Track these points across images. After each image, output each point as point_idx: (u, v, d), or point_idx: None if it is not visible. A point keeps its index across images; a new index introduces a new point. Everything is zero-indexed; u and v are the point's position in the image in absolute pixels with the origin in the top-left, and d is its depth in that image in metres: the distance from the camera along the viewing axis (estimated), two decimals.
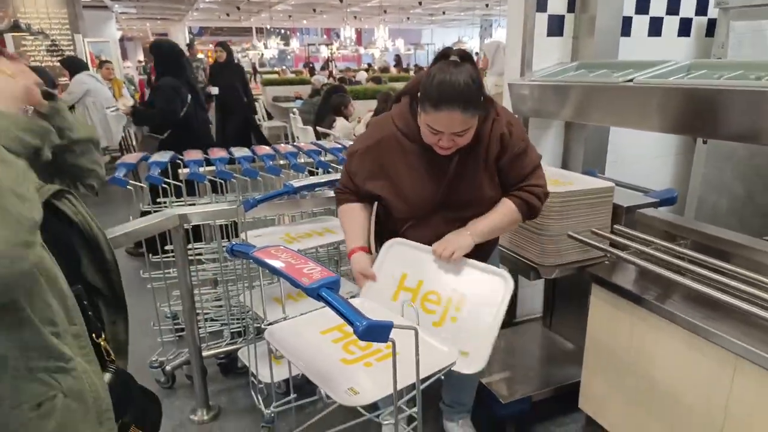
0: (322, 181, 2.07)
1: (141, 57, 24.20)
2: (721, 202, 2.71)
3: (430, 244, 1.57)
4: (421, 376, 1.01)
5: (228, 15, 17.50)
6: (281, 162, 2.52)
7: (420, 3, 14.14)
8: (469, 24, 21.73)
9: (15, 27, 7.28)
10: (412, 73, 12.93)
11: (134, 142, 7.02)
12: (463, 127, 1.40)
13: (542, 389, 2.13)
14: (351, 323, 0.88)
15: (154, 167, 2.21)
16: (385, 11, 16.47)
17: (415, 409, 1.05)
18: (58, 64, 6.29)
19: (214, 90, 5.93)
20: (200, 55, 12.96)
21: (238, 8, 15.28)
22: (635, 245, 1.79)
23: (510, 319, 2.76)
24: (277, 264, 1.08)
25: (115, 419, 0.97)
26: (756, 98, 1.43)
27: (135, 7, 14.64)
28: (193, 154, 2.40)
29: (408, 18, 19.24)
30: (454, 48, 1.45)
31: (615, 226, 1.96)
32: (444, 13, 17.29)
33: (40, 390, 0.84)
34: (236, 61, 6.23)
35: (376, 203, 1.72)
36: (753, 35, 2.45)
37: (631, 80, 1.82)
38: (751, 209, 2.57)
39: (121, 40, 16.34)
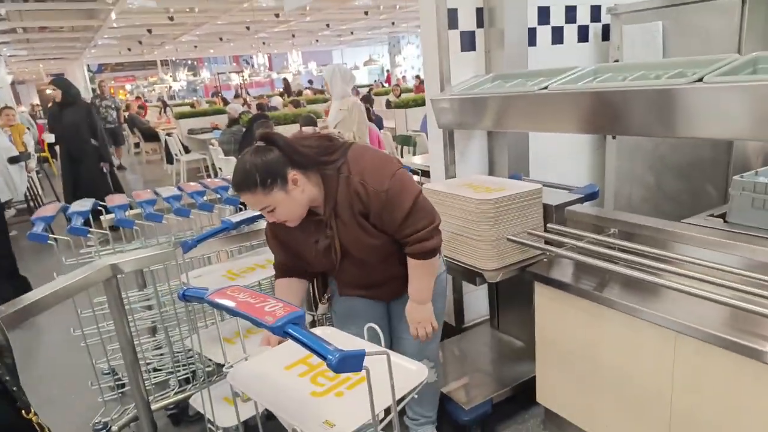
0: (260, 213, 2.03)
1: (36, 101, 22.61)
2: (634, 192, 2.94)
3: (351, 285, 1.77)
4: (399, 397, 1.01)
5: (129, 50, 16.78)
6: (211, 197, 2.45)
7: (328, 26, 14.29)
8: (378, 42, 22.23)
9: None
10: (326, 94, 13.01)
11: (41, 191, 6.53)
12: (262, 204, 1.49)
13: (501, 389, 2.20)
14: (323, 357, 0.87)
15: (75, 217, 2.07)
16: (293, 35, 16.48)
17: None
18: None
19: (49, 138, 5.28)
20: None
21: (140, 42, 14.70)
22: (569, 240, 1.89)
23: (458, 326, 2.82)
24: (234, 305, 1.04)
25: None
26: (658, 96, 1.58)
27: (25, 48, 13.71)
28: (117, 199, 2.28)
29: (317, 40, 19.37)
30: (259, 133, 1.53)
31: (548, 224, 2.07)
32: (352, 33, 17.58)
33: None
34: (80, 98, 5.37)
35: None
36: (643, 36, 2.69)
37: (545, 88, 1.95)
38: (661, 196, 2.80)
39: (12, 84, 15.21)
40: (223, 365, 1.74)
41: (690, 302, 1.49)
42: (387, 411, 1.04)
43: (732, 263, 1.52)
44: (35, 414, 0.94)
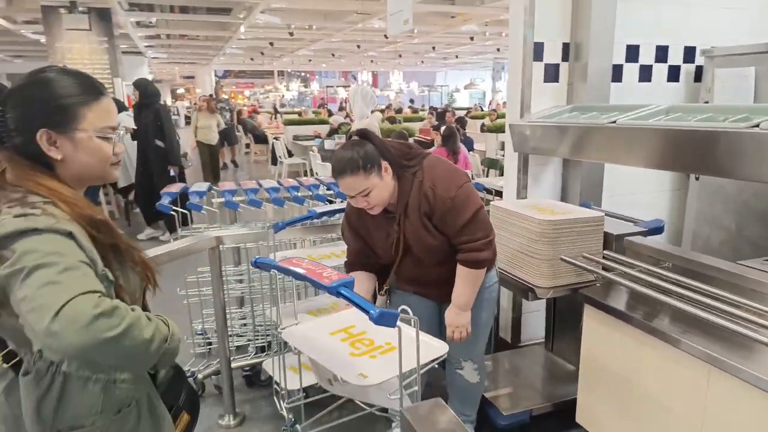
0: (341, 207, 2.33)
1: (169, 98, 25.18)
2: (713, 235, 2.90)
3: (408, 281, 1.98)
4: (420, 363, 1.22)
5: (252, 59, 18.34)
6: (305, 193, 2.80)
7: (434, 48, 14.71)
8: (481, 67, 22.38)
9: None
10: (424, 113, 13.36)
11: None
12: (359, 188, 1.71)
13: (542, 404, 2.30)
14: (367, 312, 1.11)
15: (194, 196, 2.49)
16: (400, 56, 17.11)
17: (416, 388, 1.26)
18: None
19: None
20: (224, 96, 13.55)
21: (262, 53, 16.04)
22: (622, 268, 1.99)
23: (514, 343, 2.94)
24: (300, 270, 1.31)
25: (171, 404, 1.19)
26: (712, 137, 1.66)
27: (166, 52, 15.47)
28: (227, 185, 2.69)
29: (422, 61, 19.92)
30: (356, 130, 1.84)
31: (605, 251, 2.17)
32: (457, 57, 17.90)
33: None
34: (155, 99, 5.26)
35: None
36: (735, 80, 2.69)
37: (614, 122, 2.07)
38: (742, 240, 2.74)
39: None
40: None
41: (730, 341, 1.54)
42: (412, 373, 1.25)
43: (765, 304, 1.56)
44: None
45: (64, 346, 0.85)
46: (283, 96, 22.10)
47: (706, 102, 2.84)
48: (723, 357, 1.54)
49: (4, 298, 0.91)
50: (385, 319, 1.09)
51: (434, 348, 1.34)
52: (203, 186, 2.65)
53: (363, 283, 1.97)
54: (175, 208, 2.43)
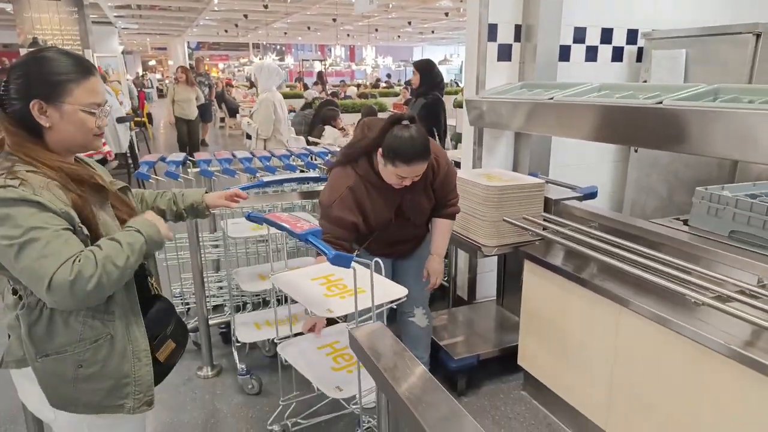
0: (290, 177, 2.58)
1: (140, 70, 24.63)
2: (649, 201, 3.21)
3: (387, 246, 2.20)
4: (377, 302, 1.47)
5: (226, 31, 18.08)
6: (276, 163, 3.00)
7: (410, 23, 14.75)
8: (458, 42, 22.45)
9: (34, 43, 7.75)
10: (398, 88, 13.47)
11: (137, 148, 7.50)
12: (422, 171, 1.96)
13: (489, 350, 2.60)
14: (325, 254, 1.35)
15: (171, 165, 2.68)
16: (376, 30, 17.08)
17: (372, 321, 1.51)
18: None
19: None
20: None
21: (236, 25, 15.84)
22: (556, 227, 2.26)
23: (470, 300, 3.23)
24: (283, 223, 1.56)
25: (157, 333, 1.40)
26: (631, 111, 1.93)
27: (137, 23, 15.15)
28: (202, 155, 2.87)
29: (399, 36, 19.90)
30: (405, 114, 1.96)
31: (545, 214, 2.44)
32: (433, 32, 17.94)
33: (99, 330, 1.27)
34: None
35: None
36: (668, 62, 2.96)
37: (552, 98, 2.31)
38: (672, 206, 3.05)
39: (122, 53, 16.82)
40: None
41: (643, 287, 1.83)
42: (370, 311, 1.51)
43: (680, 257, 1.83)
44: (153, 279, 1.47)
45: (63, 307, 1.19)
46: None
47: (645, 81, 3.11)
48: (630, 298, 1.83)
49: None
50: (340, 260, 1.33)
51: (394, 291, 1.59)
52: (180, 156, 2.83)
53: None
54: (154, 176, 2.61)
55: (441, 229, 2.24)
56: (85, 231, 1.21)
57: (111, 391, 1.29)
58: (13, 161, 1.18)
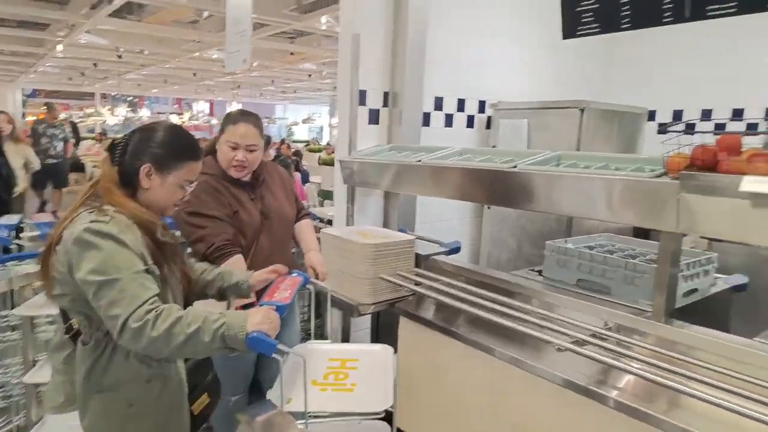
0: None
1: None
2: (502, 253, 3.51)
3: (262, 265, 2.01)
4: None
5: (70, 79, 16.62)
6: None
7: (273, 82, 14.94)
8: (320, 102, 23.18)
9: None
10: None
11: None
12: (255, 141, 2.03)
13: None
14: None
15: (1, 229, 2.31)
16: (238, 86, 16.99)
17: None
18: None
19: None
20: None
21: (83, 74, 14.66)
22: (428, 282, 2.36)
23: None
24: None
25: (196, 382, 1.48)
26: (481, 174, 2.13)
27: None
28: (42, 217, 2.53)
29: (261, 94, 19.99)
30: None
31: (416, 269, 2.54)
32: (295, 92, 18.34)
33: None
34: None
35: None
36: (513, 129, 3.35)
37: (420, 161, 2.47)
38: (521, 258, 3.37)
39: None
40: None
41: (513, 338, 1.95)
42: None
43: (539, 305, 2.01)
44: None
45: (132, 347, 1.27)
46: (105, 121, 20.27)
47: (494, 146, 3.47)
48: (498, 347, 1.95)
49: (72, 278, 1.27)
50: (258, 344, 1.28)
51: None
52: (12, 219, 2.46)
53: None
54: None
55: (306, 228, 2.40)
56: (157, 271, 1.33)
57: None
58: (101, 202, 1.34)
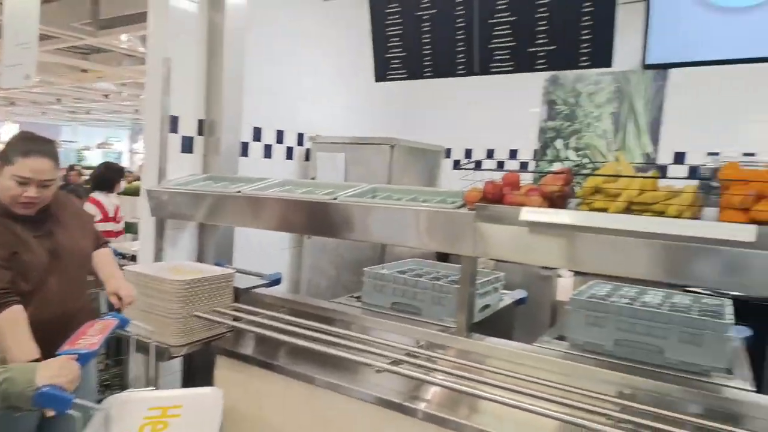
0: None
1: None
2: (322, 281, 3.58)
3: (57, 322, 1.79)
4: None
5: None
6: None
7: (58, 100, 13.17)
8: (119, 126, 21.06)
9: None
10: None
11: None
12: (51, 175, 1.76)
13: None
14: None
15: None
16: (13, 103, 14.60)
17: None
18: None
19: None
20: None
21: None
22: (248, 317, 2.29)
23: None
24: None
25: None
26: (313, 206, 2.18)
27: None
28: None
29: (44, 113, 17.43)
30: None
31: (236, 304, 2.44)
32: (88, 112, 16.42)
33: None
34: None
35: None
36: (331, 162, 3.48)
37: (239, 191, 2.42)
38: (339, 285, 3.48)
39: None
40: None
41: (332, 363, 1.99)
42: None
43: (358, 330, 2.10)
44: None
45: None
46: None
47: (313, 178, 3.56)
48: (318, 375, 1.98)
49: None
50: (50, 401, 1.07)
51: None
52: None
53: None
54: None
55: (104, 257, 2.12)
56: None
57: None
58: None
